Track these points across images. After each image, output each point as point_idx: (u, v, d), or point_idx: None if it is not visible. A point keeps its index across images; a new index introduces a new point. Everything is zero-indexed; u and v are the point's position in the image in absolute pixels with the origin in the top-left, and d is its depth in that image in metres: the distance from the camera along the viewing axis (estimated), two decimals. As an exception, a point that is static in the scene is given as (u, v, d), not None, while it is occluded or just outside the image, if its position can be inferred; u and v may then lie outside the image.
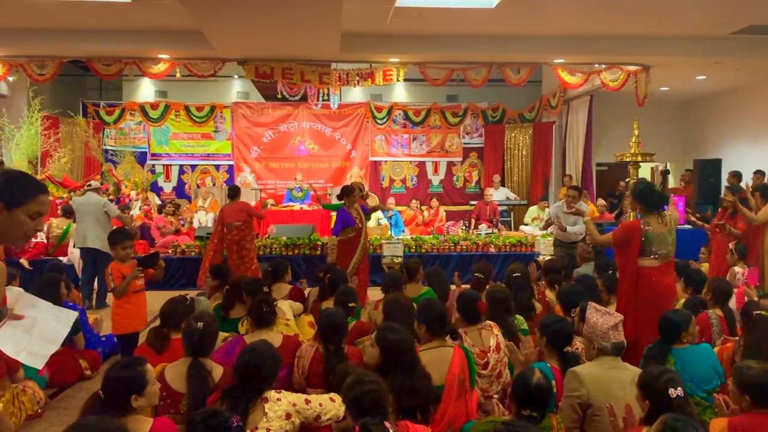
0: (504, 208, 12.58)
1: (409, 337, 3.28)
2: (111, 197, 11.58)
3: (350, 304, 4.37)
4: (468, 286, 5.48)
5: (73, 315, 2.71)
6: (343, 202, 7.49)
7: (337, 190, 12.13)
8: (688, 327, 3.64)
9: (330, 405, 2.97)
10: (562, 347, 3.47)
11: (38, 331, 2.57)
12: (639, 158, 9.07)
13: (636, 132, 9.09)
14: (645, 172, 13.25)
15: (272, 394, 2.87)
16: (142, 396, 2.61)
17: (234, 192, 8.49)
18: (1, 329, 2.53)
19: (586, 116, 12.29)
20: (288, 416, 2.82)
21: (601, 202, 11.47)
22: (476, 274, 5.38)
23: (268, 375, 2.90)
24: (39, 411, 4.50)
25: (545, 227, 8.15)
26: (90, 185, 8.40)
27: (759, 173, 9.40)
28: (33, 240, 8.91)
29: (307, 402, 2.91)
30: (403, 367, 3.06)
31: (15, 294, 2.61)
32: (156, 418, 2.71)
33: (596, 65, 10.30)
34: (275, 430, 2.77)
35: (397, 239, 9.72)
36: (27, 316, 2.56)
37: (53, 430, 4.24)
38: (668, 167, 13.52)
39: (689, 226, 9.01)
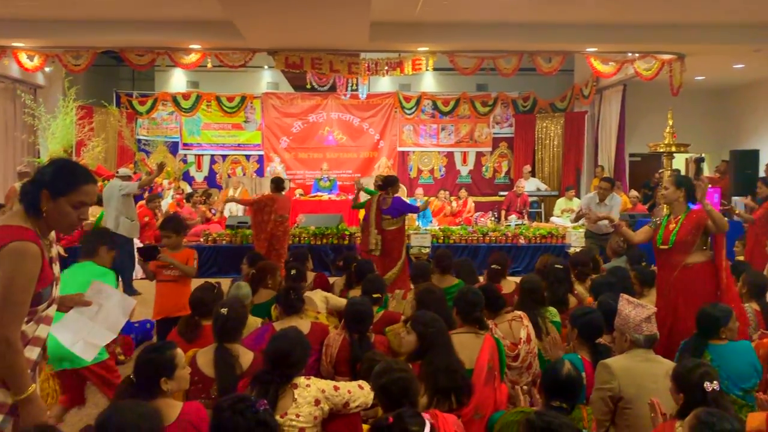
0: (534, 199, 12.45)
1: (443, 322, 3.30)
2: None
3: (375, 295, 4.36)
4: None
5: (132, 303, 2.77)
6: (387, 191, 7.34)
7: (366, 181, 12.30)
8: (728, 322, 3.54)
9: (359, 392, 2.97)
10: (593, 339, 3.43)
11: (102, 318, 2.63)
12: (673, 149, 8.89)
13: (670, 122, 8.90)
14: (679, 163, 12.98)
15: (301, 380, 2.89)
16: (171, 379, 2.64)
17: (283, 184, 8.43)
18: (66, 315, 2.60)
19: (619, 106, 12.08)
20: (317, 402, 2.83)
21: (634, 193, 11.29)
22: (492, 266, 5.31)
23: (297, 361, 2.91)
24: (74, 393, 4.60)
25: (576, 219, 8.04)
26: (118, 172, 8.48)
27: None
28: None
29: (336, 389, 2.92)
30: (440, 347, 3.10)
31: (94, 287, 2.68)
32: (186, 402, 2.74)
33: (629, 54, 10.11)
34: (304, 416, 2.78)
35: (425, 230, 9.69)
36: (94, 302, 2.62)
37: (87, 412, 4.32)
38: (702, 156, 13.20)
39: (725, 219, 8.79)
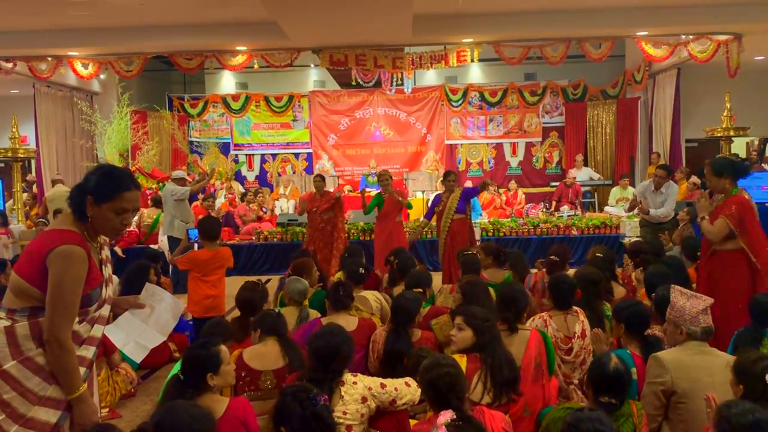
0: (587, 188, 12.18)
1: (487, 318, 3.26)
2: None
3: (417, 289, 4.32)
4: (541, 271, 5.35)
5: (182, 306, 2.85)
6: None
7: (414, 176, 12.33)
8: None
9: (405, 389, 2.96)
10: (641, 331, 3.32)
11: (154, 321, 2.73)
12: (731, 133, 8.60)
13: (728, 105, 8.60)
14: (739, 147, 12.46)
15: (348, 377, 2.89)
16: (217, 375, 2.70)
17: (317, 179, 8.37)
18: (121, 316, 2.69)
19: (674, 90, 11.69)
20: (364, 400, 2.83)
21: (694, 179, 10.91)
22: (551, 257, 5.16)
23: (345, 358, 2.91)
24: (132, 390, 4.75)
25: (630, 208, 7.82)
26: (171, 175, 8.69)
27: None
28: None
29: (383, 386, 2.91)
30: (497, 340, 3.08)
31: (148, 289, 2.77)
32: (232, 398, 2.80)
33: (683, 36, 9.76)
34: (351, 413, 2.78)
35: (475, 223, 9.60)
36: (147, 305, 2.71)
37: (145, 409, 4.46)
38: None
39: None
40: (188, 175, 10.44)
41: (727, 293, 4.16)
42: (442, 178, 7.61)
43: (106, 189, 2.34)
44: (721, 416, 2.15)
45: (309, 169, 13.95)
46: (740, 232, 4.18)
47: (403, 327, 3.66)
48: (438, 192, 7.64)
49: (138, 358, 2.74)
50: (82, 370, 2.34)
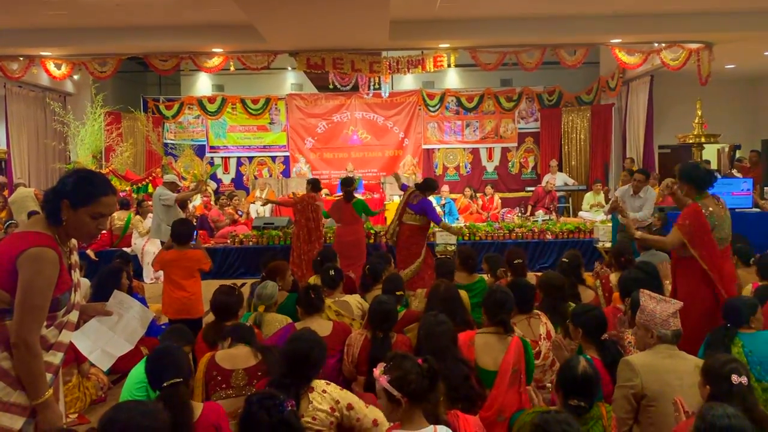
0: (562, 193, 12.31)
1: (439, 323, 3.24)
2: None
3: (398, 292, 4.32)
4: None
5: (151, 315, 2.82)
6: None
7: (391, 179, 12.31)
8: (755, 312, 3.49)
9: (372, 410, 2.92)
10: (598, 336, 3.37)
11: (122, 328, 2.69)
12: (702, 139, 8.74)
13: (699, 112, 8.75)
14: (710, 153, 12.68)
15: (319, 383, 2.86)
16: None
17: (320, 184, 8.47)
18: (87, 323, 2.65)
19: (647, 97, 11.85)
20: (332, 410, 2.82)
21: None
22: (516, 261, 5.16)
23: (315, 363, 2.89)
24: (102, 395, 4.70)
25: (610, 212, 7.89)
26: (163, 179, 8.58)
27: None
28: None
29: (350, 408, 2.83)
30: (439, 353, 3.01)
31: (116, 297, 2.73)
32: (206, 403, 2.77)
33: (655, 44, 9.92)
34: (321, 419, 2.76)
35: (451, 227, 9.62)
36: (115, 313, 2.67)
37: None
38: (739, 144, 12.84)
39: (757, 210, 8.56)
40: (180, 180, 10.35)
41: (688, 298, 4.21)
42: (428, 188, 7.55)
43: (83, 193, 2.31)
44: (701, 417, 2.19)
45: (286, 173, 13.90)
46: (692, 245, 4.18)
47: (386, 332, 3.65)
48: (428, 198, 7.56)
49: (104, 366, 2.71)
50: (48, 376, 2.30)
